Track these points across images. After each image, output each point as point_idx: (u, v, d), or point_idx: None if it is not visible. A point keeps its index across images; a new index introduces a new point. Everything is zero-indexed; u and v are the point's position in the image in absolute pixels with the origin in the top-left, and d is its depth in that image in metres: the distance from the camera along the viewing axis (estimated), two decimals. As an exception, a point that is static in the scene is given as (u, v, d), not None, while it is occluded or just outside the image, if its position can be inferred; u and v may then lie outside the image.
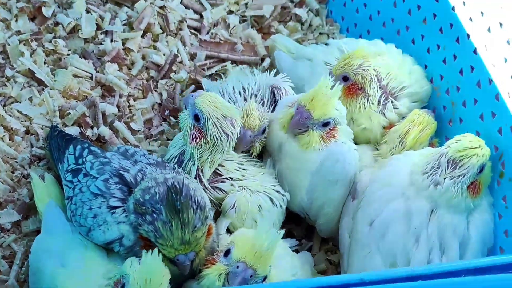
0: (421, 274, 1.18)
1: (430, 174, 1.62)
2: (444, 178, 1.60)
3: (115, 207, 1.54)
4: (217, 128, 1.65)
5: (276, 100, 1.88)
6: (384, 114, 1.85)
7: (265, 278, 1.46)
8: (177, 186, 1.46)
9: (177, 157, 1.73)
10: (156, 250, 1.40)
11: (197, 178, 1.70)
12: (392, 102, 1.85)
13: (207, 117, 1.64)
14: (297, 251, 1.85)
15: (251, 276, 1.43)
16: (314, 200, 1.77)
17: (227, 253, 1.48)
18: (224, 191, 1.71)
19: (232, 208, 1.69)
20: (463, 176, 1.60)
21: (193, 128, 1.67)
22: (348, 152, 1.75)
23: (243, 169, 1.75)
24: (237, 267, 1.44)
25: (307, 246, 1.91)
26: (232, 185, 1.72)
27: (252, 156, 1.81)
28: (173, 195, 1.45)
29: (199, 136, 1.67)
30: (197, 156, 1.68)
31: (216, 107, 1.65)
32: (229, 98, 1.87)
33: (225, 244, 1.54)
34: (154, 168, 1.61)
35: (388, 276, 1.18)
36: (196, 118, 1.65)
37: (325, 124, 1.70)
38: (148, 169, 1.60)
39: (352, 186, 1.78)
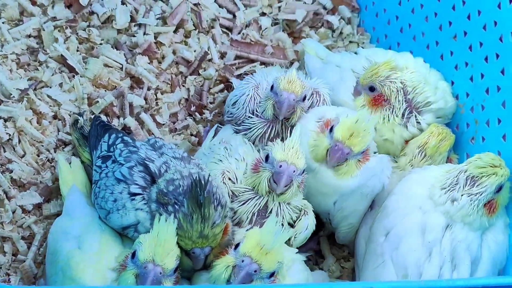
0: (430, 287, 1.19)
1: (448, 190, 1.63)
2: (462, 195, 1.61)
3: (136, 194, 1.57)
4: None
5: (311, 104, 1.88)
6: (406, 127, 1.86)
7: (272, 274, 1.48)
8: (202, 181, 1.49)
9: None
10: (171, 216, 1.46)
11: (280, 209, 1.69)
12: (416, 116, 1.86)
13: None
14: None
15: (255, 271, 1.46)
16: (341, 210, 1.78)
17: (237, 246, 1.50)
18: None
19: (305, 230, 1.71)
20: (481, 194, 1.60)
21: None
22: (385, 168, 1.77)
23: None
24: (242, 261, 1.46)
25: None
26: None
27: (289, 123, 1.81)
28: (197, 189, 1.47)
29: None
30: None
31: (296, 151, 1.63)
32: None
33: (240, 239, 1.56)
34: (178, 162, 1.64)
35: (398, 287, 1.19)
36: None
37: (363, 152, 1.71)
38: (173, 162, 1.63)
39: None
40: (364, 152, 1.71)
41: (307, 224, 1.70)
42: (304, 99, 1.79)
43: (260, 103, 1.85)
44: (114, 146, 1.70)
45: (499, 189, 1.63)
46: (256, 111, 1.86)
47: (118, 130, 1.80)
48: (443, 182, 1.65)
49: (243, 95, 1.89)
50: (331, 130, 1.70)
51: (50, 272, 1.60)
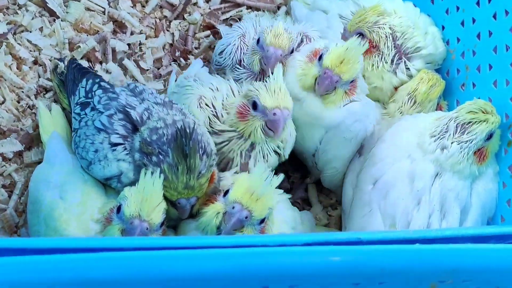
0: (419, 237, 1.17)
1: (438, 138, 1.60)
2: (452, 143, 1.59)
3: (117, 144, 1.53)
4: None
5: None
6: (395, 74, 1.82)
7: (262, 220, 1.47)
8: (187, 130, 1.45)
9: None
10: (157, 171, 1.42)
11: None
12: (405, 62, 1.83)
13: None
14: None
15: (246, 217, 1.44)
16: (324, 153, 1.75)
17: (226, 193, 1.48)
18: None
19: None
20: (471, 142, 1.58)
21: None
22: (371, 112, 1.74)
23: None
24: (233, 207, 1.45)
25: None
26: None
27: None
28: (182, 139, 1.44)
29: None
30: None
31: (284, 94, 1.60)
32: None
33: (227, 185, 1.54)
34: (161, 108, 1.59)
35: (386, 237, 1.16)
36: None
37: (351, 81, 1.67)
38: (155, 108, 1.58)
39: (360, 143, 1.78)
40: (353, 82, 1.67)
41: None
42: (292, 51, 1.75)
43: (246, 54, 1.82)
44: (93, 93, 1.64)
45: (489, 136, 1.60)
46: (243, 61, 1.82)
47: (95, 74, 1.74)
48: (433, 130, 1.62)
49: (230, 45, 1.85)
50: (320, 58, 1.66)
51: (32, 221, 1.57)
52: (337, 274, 1.14)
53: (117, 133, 1.54)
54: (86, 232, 1.47)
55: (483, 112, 1.60)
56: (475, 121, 1.59)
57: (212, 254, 1.10)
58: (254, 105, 1.58)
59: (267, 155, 1.66)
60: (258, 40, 1.73)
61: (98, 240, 1.14)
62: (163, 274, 1.09)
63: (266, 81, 1.61)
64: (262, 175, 1.46)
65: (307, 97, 1.68)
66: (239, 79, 1.80)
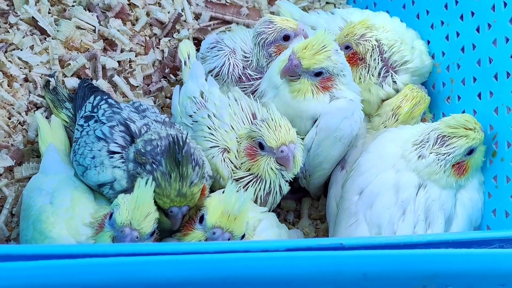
0: (400, 243, 1.18)
1: (419, 147, 1.63)
2: (430, 153, 1.61)
3: (114, 152, 1.57)
4: None
5: None
6: (382, 87, 1.84)
7: (243, 236, 1.48)
8: (180, 141, 1.48)
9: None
10: (150, 179, 1.45)
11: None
12: (392, 75, 1.85)
13: None
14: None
15: (229, 239, 1.46)
16: (316, 156, 1.75)
17: (201, 219, 1.50)
18: None
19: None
20: (449, 155, 1.60)
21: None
22: (356, 110, 1.74)
23: None
24: (214, 233, 1.46)
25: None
26: None
27: None
28: (175, 147, 1.47)
29: None
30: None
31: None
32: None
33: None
34: (159, 125, 1.64)
35: (368, 243, 1.17)
36: None
37: (317, 74, 1.68)
38: (154, 125, 1.63)
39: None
40: (320, 75, 1.68)
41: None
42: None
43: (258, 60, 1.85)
44: (98, 107, 1.70)
45: (470, 152, 1.62)
46: (243, 76, 1.86)
47: (104, 92, 1.81)
48: (415, 139, 1.65)
49: (224, 66, 1.88)
50: None
51: (22, 226, 1.59)
52: (319, 279, 1.15)
53: (116, 143, 1.58)
54: (76, 236, 1.49)
55: (464, 128, 1.61)
56: (455, 136, 1.60)
57: (195, 259, 1.11)
58: (261, 146, 1.62)
59: (283, 189, 1.69)
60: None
61: (83, 247, 1.15)
62: (151, 279, 1.10)
63: (265, 119, 1.64)
64: (234, 192, 1.48)
65: (281, 85, 1.72)
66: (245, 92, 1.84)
